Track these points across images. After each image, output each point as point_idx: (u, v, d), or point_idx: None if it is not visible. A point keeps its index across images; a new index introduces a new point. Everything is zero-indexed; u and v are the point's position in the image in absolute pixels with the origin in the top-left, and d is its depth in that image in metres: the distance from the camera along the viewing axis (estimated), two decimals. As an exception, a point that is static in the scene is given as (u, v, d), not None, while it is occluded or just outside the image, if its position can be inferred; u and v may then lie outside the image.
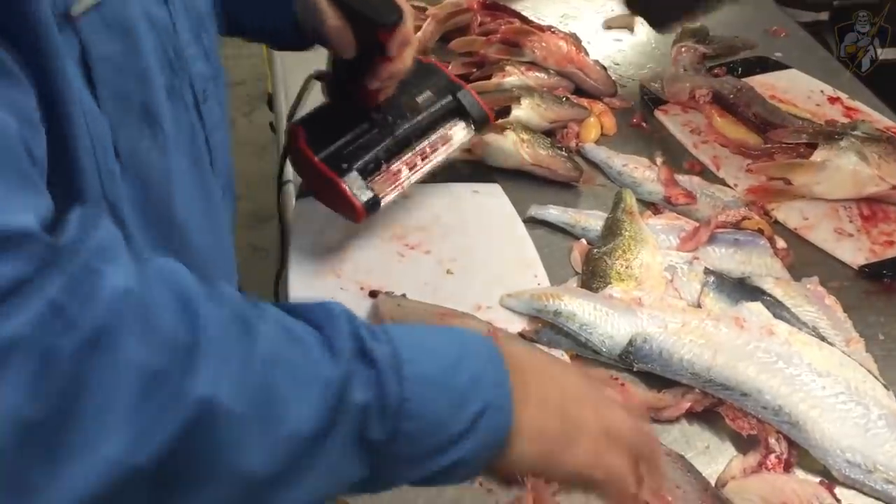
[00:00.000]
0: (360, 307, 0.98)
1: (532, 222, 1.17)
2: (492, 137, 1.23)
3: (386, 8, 0.89)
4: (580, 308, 0.97)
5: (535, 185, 1.23)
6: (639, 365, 0.93)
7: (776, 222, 1.21)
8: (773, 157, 1.29)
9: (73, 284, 0.40)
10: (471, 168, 1.24)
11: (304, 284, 1.03)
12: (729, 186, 1.26)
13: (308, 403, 0.45)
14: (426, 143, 1.01)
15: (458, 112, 1.04)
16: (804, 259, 1.15)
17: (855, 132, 1.26)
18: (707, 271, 1.05)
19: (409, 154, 1.01)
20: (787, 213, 1.22)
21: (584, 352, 0.96)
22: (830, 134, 1.27)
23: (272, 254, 1.41)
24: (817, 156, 1.23)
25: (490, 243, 1.12)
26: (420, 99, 1.02)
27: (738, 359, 0.91)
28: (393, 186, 1.00)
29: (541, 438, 0.54)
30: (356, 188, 0.95)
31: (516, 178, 1.23)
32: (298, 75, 1.21)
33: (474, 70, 1.43)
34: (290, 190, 1.19)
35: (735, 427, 0.89)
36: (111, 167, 0.60)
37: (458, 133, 1.03)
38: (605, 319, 0.96)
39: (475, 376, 0.51)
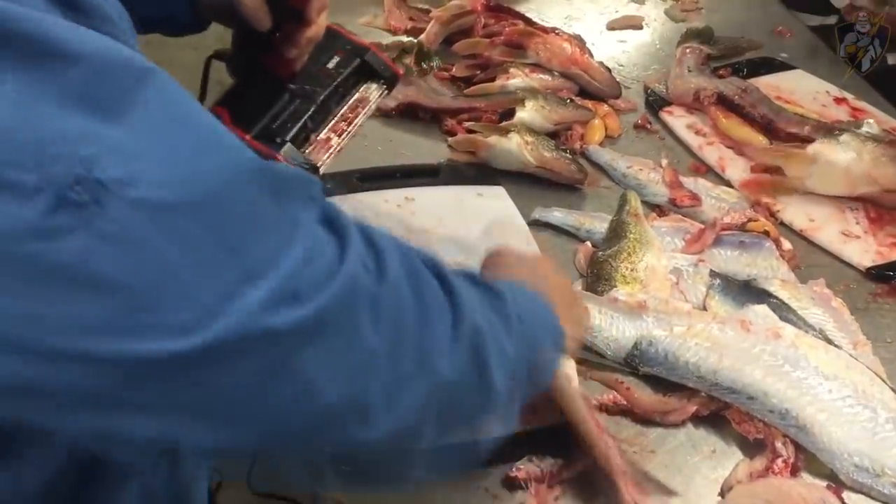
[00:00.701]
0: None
1: (536, 225, 1.16)
2: (496, 140, 1.22)
3: None
4: (585, 311, 0.97)
5: (540, 188, 1.23)
6: (644, 368, 0.93)
7: (782, 224, 1.20)
8: (778, 157, 1.28)
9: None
10: (475, 171, 1.24)
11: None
12: (734, 188, 1.25)
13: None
14: (346, 107, 1.01)
15: (368, 73, 1.03)
16: (810, 261, 1.14)
17: (858, 130, 1.26)
18: (712, 274, 1.04)
19: (334, 120, 1.00)
20: (793, 215, 1.21)
21: (589, 355, 0.95)
22: (831, 129, 1.26)
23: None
24: (812, 148, 1.22)
25: (494, 246, 1.11)
26: (331, 65, 1.01)
27: (745, 362, 0.90)
28: (326, 154, 0.99)
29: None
30: (294, 160, 0.93)
31: (520, 181, 1.23)
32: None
33: (478, 72, 1.42)
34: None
35: (741, 431, 0.88)
36: None
37: (373, 94, 1.03)
38: (609, 322, 0.96)
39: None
